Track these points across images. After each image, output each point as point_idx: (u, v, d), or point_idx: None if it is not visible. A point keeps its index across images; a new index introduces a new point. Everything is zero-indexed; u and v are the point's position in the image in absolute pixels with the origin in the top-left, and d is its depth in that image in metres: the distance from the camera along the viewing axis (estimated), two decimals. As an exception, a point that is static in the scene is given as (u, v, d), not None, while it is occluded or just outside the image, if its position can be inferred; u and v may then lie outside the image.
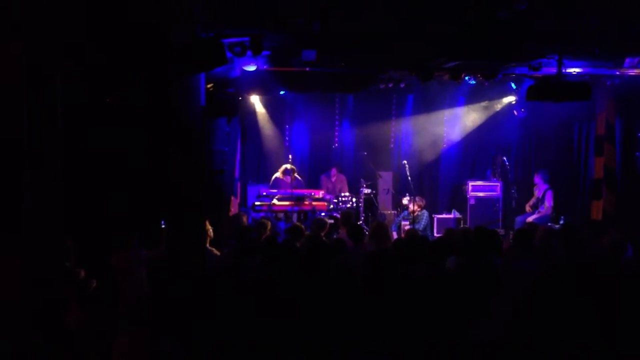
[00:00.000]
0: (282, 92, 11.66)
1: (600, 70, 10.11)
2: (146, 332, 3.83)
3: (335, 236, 9.21)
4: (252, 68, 9.21)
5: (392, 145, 13.48)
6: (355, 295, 4.75)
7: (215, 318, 4.39)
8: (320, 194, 11.15)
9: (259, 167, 12.95)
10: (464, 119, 13.09)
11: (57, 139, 4.40)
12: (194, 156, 6.73)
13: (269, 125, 12.78)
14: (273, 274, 5.54)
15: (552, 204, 11.16)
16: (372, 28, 7.98)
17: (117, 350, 3.74)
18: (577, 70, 9.95)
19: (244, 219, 8.97)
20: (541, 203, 11.26)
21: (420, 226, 11.22)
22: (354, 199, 11.59)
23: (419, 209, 11.43)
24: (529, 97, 8.66)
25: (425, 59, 9.48)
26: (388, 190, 12.63)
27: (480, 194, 12.23)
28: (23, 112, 4.08)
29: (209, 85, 8.37)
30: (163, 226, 7.14)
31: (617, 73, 10.30)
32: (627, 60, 9.51)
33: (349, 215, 9.16)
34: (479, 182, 12.42)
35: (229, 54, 7.68)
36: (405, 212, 11.68)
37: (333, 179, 12.28)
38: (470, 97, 12.68)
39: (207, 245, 6.95)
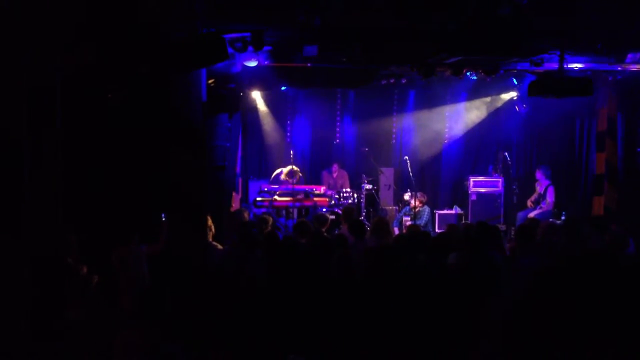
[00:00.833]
0: (283, 88, 11.66)
1: (602, 66, 10.09)
2: (147, 327, 3.84)
3: (336, 232, 9.22)
4: (253, 63, 9.19)
5: (393, 141, 13.48)
6: (356, 290, 4.76)
7: (216, 313, 4.40)
8: (322, 189, 11.15)
9: (261, 162, 12.94)
10: (465, 115, 13.06)
11: (57, 137, 4.40)
12: (195, 152, 6.73)
13: (270, 121, 12.77)
14: (274, 269, 5.55)
15: (553, 199, 11.15)
16: (374, 23, 7.96)
17: (118, 345, 3.75)
18: (579, 65, 9.93)
19: (246, 214, 8.98)
20: (543, 199, 11.25)
21: (421, 222, 11.22)
22: (355, 195, 11.59)
23: (420, 205, 11.43)
24: (530, 92, 8.63)
25: (427, 54, 9.46)
26: (389, 186, 12.63)
27: (482, 190, 12.23)
28: (23, 109, 4.08)
29: (210, 81, 8.36)
30: (164, 221, 7.14)
31: (619, 68, 10.28)
32: (629, 55, 9.49)
33: (351, 211, 9.15)
34: (481, 178, 12.41)
35: (230, 50, 7.67)
36: (407, 208, 11.68)
37: (334, 175, 12.27)
38: (472, 93, 12.66)
39: (210, 240, 6.96)
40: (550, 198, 11.15)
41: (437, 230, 11.45)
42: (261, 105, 12.56)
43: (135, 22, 6.39)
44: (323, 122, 13.10)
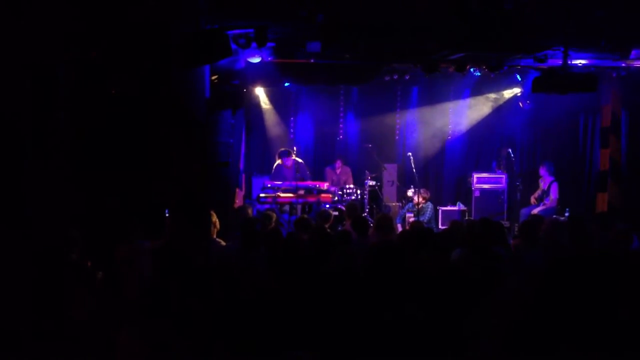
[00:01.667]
0: (286, 84, 11.65)
1: (606, 62, 10.07)
2: (151, 323, 3.84)
3: (340, 228, 9.22)
4: (256, 60, 9.19)
5: (396, 137, 13.46)
6: (359, 287, 4.75)
7: (219, 309, 4.40)
8: (325, 185, 11.14)
9: (264, 159, 12.94)
10: (469, 111, 13.04)
11: (61, 133, 4.41)
12: (198, 148, 6.73)
13: (274, 117, 12.77)
14: (277, 265, 5.55)
15: (557, 196, 11.14)
16: (377, 19, 7.95)
17: (122, 341, 3.75)
18: (583, 61, 9.91)
19: (249, 210, 8.98)
20: (546, 195, 11.23)
21: (424, 218, 11.21)
22: (358, 191, 11.58)
23: (423, 201, 11.42)
24: (534, 88, 8.63)
25: (431, 50, 9.45)
26: (393, 182, 12.62)
27: (485, 186, 12.21)
28: (27, 105, 4.08)
29: (213, 77, 8.36)
30: (167, 217, 7.15)
31: (623, 65, 10.26)
32: (634, 51, 9.46)
33: (354, 207, 9.15)
34: (484, 174, 12.40)
35: (233, 46, 7.67)
36: (410, 204, 11.67)
37: (338, 171, 12.26)
38: (476, 89, 12.64)
39: (214, 236, 6.96)
40: (553, 194, 11.13)
41: (440, 226, 11.44)
42: (264, 102, 12.56)
43: (139, 18, 6.39)
44: (326, 118, 13.09)
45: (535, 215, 10.01)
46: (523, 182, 11.86)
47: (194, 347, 3.92)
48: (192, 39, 6.49)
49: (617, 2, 7.40)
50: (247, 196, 11.74)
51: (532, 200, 11.45)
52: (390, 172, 12.59)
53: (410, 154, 11.84)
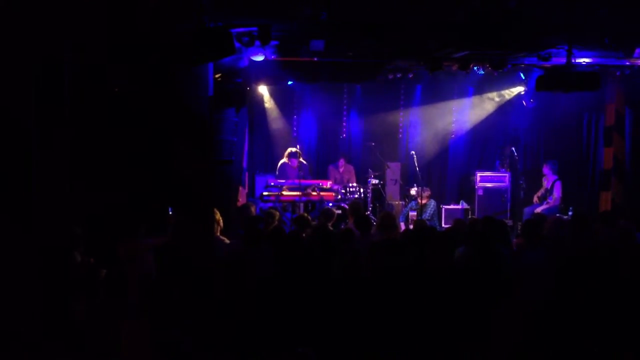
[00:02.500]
0: (290, 82, 11.65)
1: (610, 61, 10.05)
2: (154, 320, 3.85)
3: (343, 226, 9.22)
4: (260, 58, 9.19)
5: (400, 136, 13.46)
6: (362, 285, 4.76)
7: (223, 306, 4.41)
8: (328, 184, 11.14)
9: (267, 157, 12.94)
10: (472, 110, 13.03)
11: (64, 130, 4.42)
12: (201, 146, 6.74)
13: (277, 116, 12.78)
14: (280, 263, 5.55)
15: (560, 194, 11.12)
16: (380, 17, 7.95)
17: (125, 338, 3.76)
18: (587, 60, 9.90)
19: (252, 209, 8.98)
20: (550, 194, 11.21)
21: (427, 215, 11.20)
22: (361, 190, 11.58)
23: (426, 199, 11.41)
24: (538, 87, 8.61)
25: (434, 48, 9.44)
26: (396, 180, 12.61)
27: (489, 185, 12.20)
28: (31, 103, 4.09)
29: (216, 75, 8.36)
30: (170, 214, 7.16)
31: (627, 63, 10.25)
32: (637, 50, 9.44)
33: (357, 206, 9.14)
34: (487, 173, 12.38)
35: (237, 44, 7.66)
36: (414, 203, 11.66)
37: (341, 170, 12.26)
38: (479, 88, 12.63)
39: (218, 234, 6.97)
40: (557, 193, 11.12)
41: (443, 225, 11.44)
42: (268, 100, 12.56)
43: (142, 16, 6.39)
44: (329, 116, 13.10)
45: (538, 213, 10.02)
46: (526, 181, 11.85)
47: (197, 343, 3.93)
48: (195, 37, 6.49)
49: (621, 0, 7.38)
50: (251, 194, 11.74)
51: (536, 199, 11.43)
52: (393, 170, 12.58)
53: (413, 152, 11.83)
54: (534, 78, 9.47)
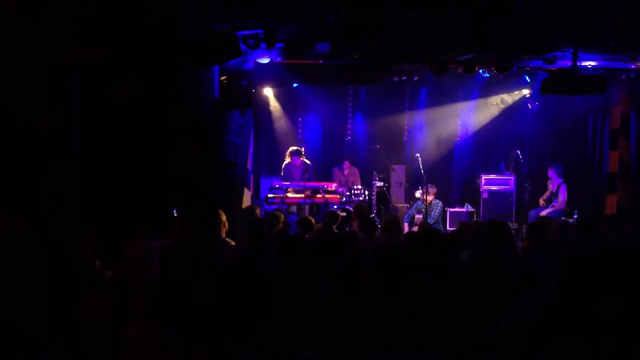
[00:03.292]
0: (295, 85, 11.67)
1: (615, 64, 10.04)
2: (159, 322, 3.86)
3: (347, 229, 9.22)
4: (265, 60, 9.21)
5: (405, 139, 13.46)
6: (367, 287, 4.76)
7: (228, 309, 4.42)
8: (333, 186, 11.14)
9: (272, 159, 12.96)
10: (477, 112, 13.03)
11: (71, 132, 4.44)
12: (207, 148, 6.75)
13: (282, 118, 12.80)
14: (284, 266, 5.55)
15: (565, 198, 11.10)
16: (386, 20, 7.95)
17: (131, 340, 3.77)
18: (592, 63, 9.89)
19: (257, 211, 8.99)
20: (555, 197, 11.20)
21: (433, 215, 11.14)
22: (366, 192, 11.57)
23: (432, 198, 11.33)
24: (543, 90, 8.63)
25: (439, 51, 9.45)
26: (401, 183, 12.61)
27: (494, 188, 12.18)
28: (39, 105, 4.11)
29: (222, 78, 8.39)
30: (176, 216, 7.17)
31: (633, 67, 10.24)
32: (643, 53, 9.45)
33: (362, 208, 9.15)
34: (493, 176, 12.37)
35: (242, 47, 7.69)
36: (419, 202, 11.64)
37: (346, 172, 12.27)
38: (484, 90, 12.63)
39: (223, 236, 6.98)
40: (562, 196, 11.10)
41: (448, 228, 11.41)
42: (273, 102, 12.59)
43: (148, 18, 6.42)
44: (334, 119, 13.10)
45: (543, 217, 10.00)
46: (532, 184, 11.82)
47: (203, 346, 3.94)
48: (201, 40, 6.51)
49: (627, 3, 7.37)
50: (256, 196, 11.76)
51: (541, 202, 11.41)
52: (398, 173, 12.58)
53: (418, 155, 11.81)
54: (540, 81, 9.47)
